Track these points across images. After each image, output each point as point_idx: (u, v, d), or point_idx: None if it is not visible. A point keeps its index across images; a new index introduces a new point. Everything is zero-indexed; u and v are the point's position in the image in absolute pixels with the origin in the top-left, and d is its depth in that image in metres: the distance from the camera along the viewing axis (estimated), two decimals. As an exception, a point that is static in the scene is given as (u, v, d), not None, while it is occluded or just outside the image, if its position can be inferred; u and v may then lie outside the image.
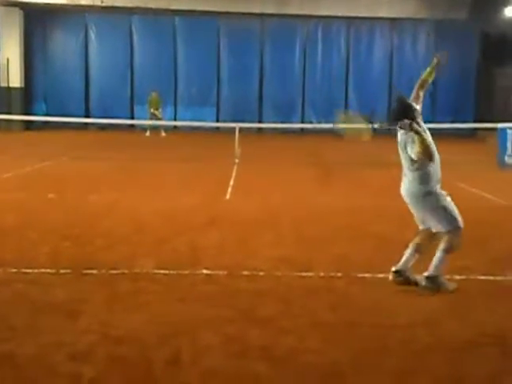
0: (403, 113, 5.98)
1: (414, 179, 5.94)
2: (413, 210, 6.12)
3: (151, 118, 25.75)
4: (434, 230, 5.98)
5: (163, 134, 25.57)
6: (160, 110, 26.39)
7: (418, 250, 6.03)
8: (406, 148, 5.93)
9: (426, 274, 5.89)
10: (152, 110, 26.20)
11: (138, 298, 5.52)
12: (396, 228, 8.69)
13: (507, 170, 16.26)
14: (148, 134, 25.60)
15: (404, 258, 6.03)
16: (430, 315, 5.28)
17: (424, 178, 5.90)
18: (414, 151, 5.78)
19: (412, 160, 5.86)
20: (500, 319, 5.22)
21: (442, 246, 5.90)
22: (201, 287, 5.91)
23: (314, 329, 4.93)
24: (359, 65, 30.46)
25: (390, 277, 5.98)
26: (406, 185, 6.04)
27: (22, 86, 28.24)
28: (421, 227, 6.12)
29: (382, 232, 8.47)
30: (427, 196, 5.92)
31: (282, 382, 4.06)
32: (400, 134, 6.08)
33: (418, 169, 5.89)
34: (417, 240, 6.08)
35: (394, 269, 5.99)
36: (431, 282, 5.86)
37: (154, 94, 26.45)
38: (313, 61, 30.38)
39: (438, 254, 5.89)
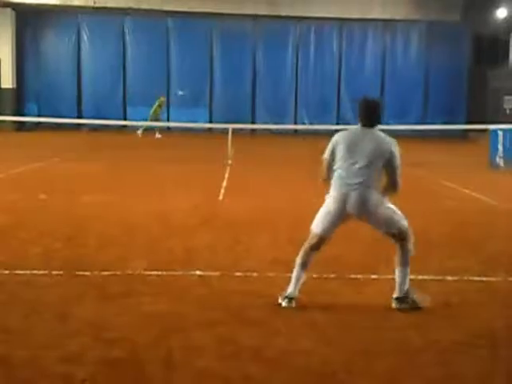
0: (380, 116, 5.69)
1: (374, 188, 5.44)
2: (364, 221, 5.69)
3: (151, 120, 25.40)
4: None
5: (158, 135, 25.40)
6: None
7: None
8: (374, 154, 5.40)
9: (394, 295, 5.52)
10: (157, 113, 25.91)
11: (130, 300, 5.51)
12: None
13: (498, 171, 16.33)
14: (140, 132, 25.37)
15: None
16: (422, 316, 5.30)
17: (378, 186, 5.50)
18: (397, 163, 5.45)
19: (380, 171, 5.44)
20: (492, 320, 5.23)
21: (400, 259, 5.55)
22: (193, 288, 5.91)
23: (306, 330, 4.93)
24: (352, 66, 30.52)
25: (393, 305, 5.49)
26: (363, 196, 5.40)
27: (14, 86, 28.16)
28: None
29: (372, 233, 8.46)
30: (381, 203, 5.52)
31: (275, 384, 4.06)
32: (356, 135, 5.57)
33: (379, 180, 5.48)
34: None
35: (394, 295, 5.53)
36: (401, 302, 5.46)
37: (162, 99, 26.37)
38: (305, 62, 30.42)
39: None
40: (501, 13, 28.30)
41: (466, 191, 12.58)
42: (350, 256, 7.24)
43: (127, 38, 29.75)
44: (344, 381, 4.12)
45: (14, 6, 27.17)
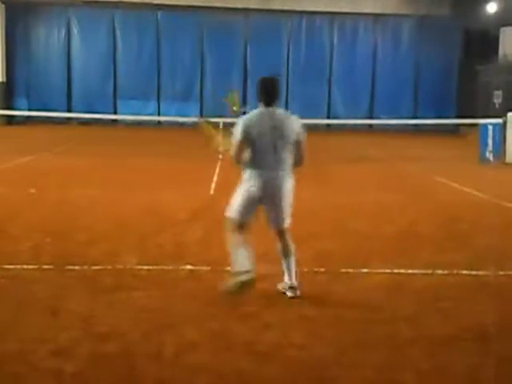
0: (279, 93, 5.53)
1: (288, 171, 5.45)
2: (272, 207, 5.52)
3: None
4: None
5: None
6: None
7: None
8: (286, 132, 5.36)
9: (290, 283, 5.52)
10: (234, 108, 25.18)
11: (120, 294, 5.50)
12: (373, 222, 8.77)
13: (488, 165, 16.40)
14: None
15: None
16: (413, 310, 5.32)
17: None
18: (304, 137, 5.47)
19: (292, 146, 5.41)
20: (481, 314, 5.26)
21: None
22: (184, 283, 5.90)
23: (297, 324, 4.94)
24: (343, 60, 30.56)
25: (289, 294, 5.51)
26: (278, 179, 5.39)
27: (4, 80, 28.00)
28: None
29: (361, 228, 8.52)
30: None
31: (266, 378, 4.06)
32: (264, 115, 5.39)
33: (291, 158, 5.45)
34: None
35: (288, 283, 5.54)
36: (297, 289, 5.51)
37: (235, 92, 25.55)
38: (296, 56, 30.43)
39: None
40: (490, 7, 28.38)
41: (456, 185, 12.63)
42: (341, 250, 7.25)
43: (117, 31, 29.65)
44: (335, 374, 4.14)
45: (4, 0, 26.99)
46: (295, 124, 5.48)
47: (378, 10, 29.56)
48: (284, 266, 5.59)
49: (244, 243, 5.48)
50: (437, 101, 30.42)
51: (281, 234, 5.62)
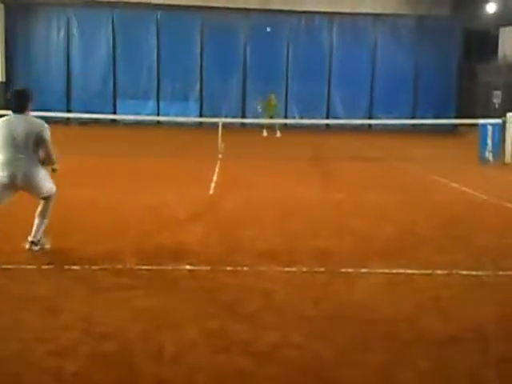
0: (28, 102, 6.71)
1: (34, 160, 6.56)
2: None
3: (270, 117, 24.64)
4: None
5: (278, 134, 24.67)
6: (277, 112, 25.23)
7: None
8: (30, 134, 6.48)
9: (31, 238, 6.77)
10: (269, 113, 24.76)
11: (120, 294, 5.50)
12: (373, 222, 8.78)
13: (488, 166, 16.41)
14: (265, 134, 24.79)
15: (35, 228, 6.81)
16: (412, 310, 5.32)
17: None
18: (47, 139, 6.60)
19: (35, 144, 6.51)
20: (481, 314, 5.27)
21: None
22: (184, 283, 5.90)
23: (297, 324, 4.94)
24: (342, 60, 30.56)
25: (27, 246, 6.76)
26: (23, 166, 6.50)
27: (3, 80, 28.00)
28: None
29: (361, 227, 8.52)
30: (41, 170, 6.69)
31: (265, 377, 4.06)
32: (13, 120, 6.59)
33: (36, 152, 6.57)
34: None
35: (30, 239, 6.78)
36: (35, 245, 6.76)
37: (272, 97, 25.14)
38: (296, 56, 30.43)
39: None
40: (490, 8, 28.40)
41: (456, 185, 12.63)
42: (341, 250, 7.26)
43: (117, 31, 29.65)
44: (335, 374, 4.14)
45: (4, 0, 26.98)
46: (37, 127, 6.61)
47: (377, 10, 29.58)
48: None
49: None
50: (436, 101, 30.43)
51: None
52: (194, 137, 23.49)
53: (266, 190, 11.46)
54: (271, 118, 24.47)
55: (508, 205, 10.53)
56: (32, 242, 6.77)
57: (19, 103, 6.63)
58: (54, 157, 6.71)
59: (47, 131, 6.60)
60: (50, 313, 5.01)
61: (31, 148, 6.48)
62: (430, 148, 21.94)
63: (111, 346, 4.41)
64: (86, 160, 15.34)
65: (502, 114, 17.85)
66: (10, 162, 6.45)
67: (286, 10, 29.30)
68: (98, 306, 5.19)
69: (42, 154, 6.60)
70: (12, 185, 6.54)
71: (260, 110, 25.08)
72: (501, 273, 6.53)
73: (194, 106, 29.96)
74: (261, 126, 25.27)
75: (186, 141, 22.19)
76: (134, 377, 4.02)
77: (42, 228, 6.85)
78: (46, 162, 6.70)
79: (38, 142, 6.50)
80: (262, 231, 8.17)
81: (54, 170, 6.88)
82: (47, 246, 6.89)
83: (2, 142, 6.48)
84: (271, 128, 24.91)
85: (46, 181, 6.77)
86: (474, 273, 6.48)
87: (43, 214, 6.85)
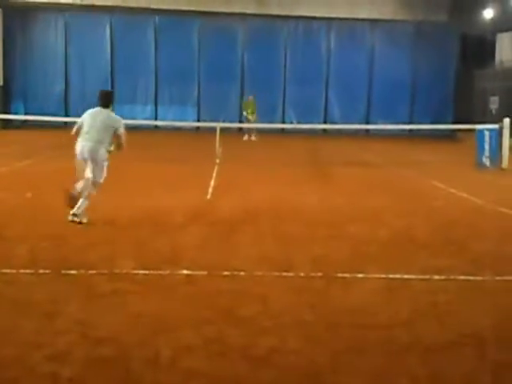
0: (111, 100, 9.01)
1: (106, 144, 8.65)
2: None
3: (248, 122, 25.35)
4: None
5: (253, 137, 24.99)
6: (255, 114, 25.75)
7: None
8: (110, 124, 8.66)
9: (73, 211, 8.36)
10: (245, 114, 25.81)
11: (117, 299, 5.50)
12: (370, 227, 8.79)
13: (485, 171, 16.44)
14: (246, 137, 25.18)
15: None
16: (409, 315, 5.32)
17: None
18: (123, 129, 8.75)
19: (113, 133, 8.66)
20: (478, 320, 5.27)
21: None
22: (181, 287, 5.90)
23: (294, 329, 4.94)
24: (339, 65, 30.61)
25: (70, 218, 8.31)
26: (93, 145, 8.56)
27: (1, 84, 27.99)
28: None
29: (358, 232, 8.53)
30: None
31: (262, 382, 4.06)
32: (99, 113, 8.74)
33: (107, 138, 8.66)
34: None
35: (71, 212, 8.35)
36: (77, 216, 8.31)
37: (250, 98, 26.02)
38: (293, 61, 30.48)
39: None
40: (487, 13, 28.48)
41: (453, 191, 12.65)
42: (337, 255, 7.26)
43: (115, 36, 29.66)
44: (331, 379, 4.14)
45: (2, 4, 27.00)
46: (113, 120, 8.84)
47: (375, 16, 29.63)
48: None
49: None
50: (433, 106, 30.48)
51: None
52: (191, 141, 23.49)
53: (263, 195, 11.47)
54: (248, 119, 25.18)
55: (505, 210, 10.54)
56: (74, 214, 8.29)
57: (105, 101, 8.81)
58: (125, 144, 8.77)
59: (121, 123, 8.72)
60: (47, 317, 5.00)
61: (103, 134, 8.53)
62: (428, 153, 21.97)
63: (108, 350, 4.40)
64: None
65: (499, 120, 17.88)
66: (86, 138, 8.55)
67: (283, 15, 29.35)
68: (94, 311, 5.19)
69: (116, 140, 8.66)
70: (82, 156, 8.60)
71: (245, 114, 25.85)
72: (498, 278, 6.54)
73: (191, 110, 29.98)
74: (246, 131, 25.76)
75: (184, 145, 22.20)
76: (130, 382, 4.02)
77: (84, 205, 8.39)
78: (120, 146, 8.77)
79: (114, 131, 8.60)
80: (260, 236, 8.17)
81: (110, 152, 8.73)
82: (84, 220, 8.36)
83: (86, 123, 8.63)
84: (249, 131, 25.31)
85: (103, 166, 8.62)
86: (471, 278, 6.49)
87: (84, 193, 8.44)
